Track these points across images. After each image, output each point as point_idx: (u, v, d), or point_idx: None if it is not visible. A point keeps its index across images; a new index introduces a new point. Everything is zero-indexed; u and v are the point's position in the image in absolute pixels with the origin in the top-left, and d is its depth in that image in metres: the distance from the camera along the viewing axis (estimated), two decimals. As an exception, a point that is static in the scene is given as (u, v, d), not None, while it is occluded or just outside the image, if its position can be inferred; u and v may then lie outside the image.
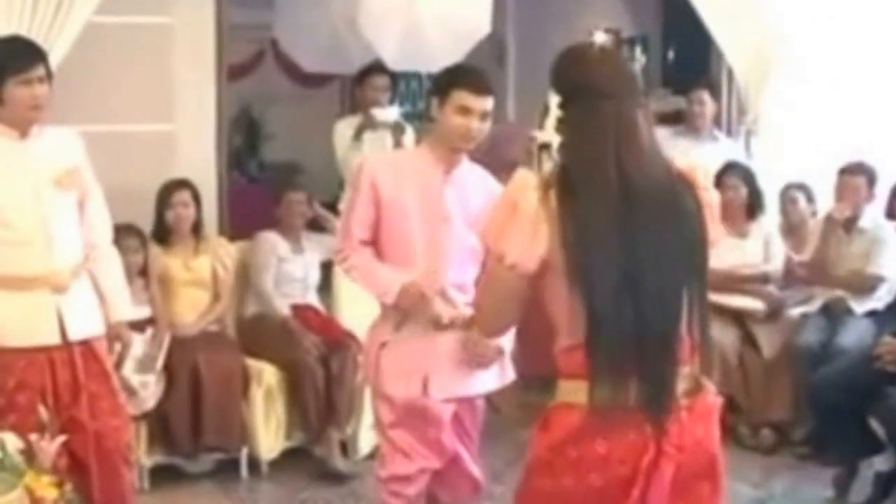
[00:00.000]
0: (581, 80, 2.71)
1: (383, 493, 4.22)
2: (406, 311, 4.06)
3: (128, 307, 4.64)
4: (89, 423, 4.24)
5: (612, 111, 2.65)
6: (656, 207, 2.65)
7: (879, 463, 5.55)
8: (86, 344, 4.28)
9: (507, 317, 2.85)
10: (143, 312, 5.84)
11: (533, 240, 2.63)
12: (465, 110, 3.99)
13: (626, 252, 2.60)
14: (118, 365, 4.80)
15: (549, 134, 2.72)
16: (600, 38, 9.29)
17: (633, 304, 2.60)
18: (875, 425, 5.52)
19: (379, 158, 4.33)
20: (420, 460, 4.18)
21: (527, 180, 2.68)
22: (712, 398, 2.77)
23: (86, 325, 4.31)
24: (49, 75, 4.18)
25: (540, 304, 2.74)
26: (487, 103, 4.02)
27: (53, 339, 4.18)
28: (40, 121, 4.19)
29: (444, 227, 4.07)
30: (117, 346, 4.63)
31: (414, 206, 4.06)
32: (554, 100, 2.75)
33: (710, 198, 2.80)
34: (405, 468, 4.19)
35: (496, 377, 4.35)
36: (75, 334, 4.23)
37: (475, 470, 4.33)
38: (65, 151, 4.29)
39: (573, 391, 2.67)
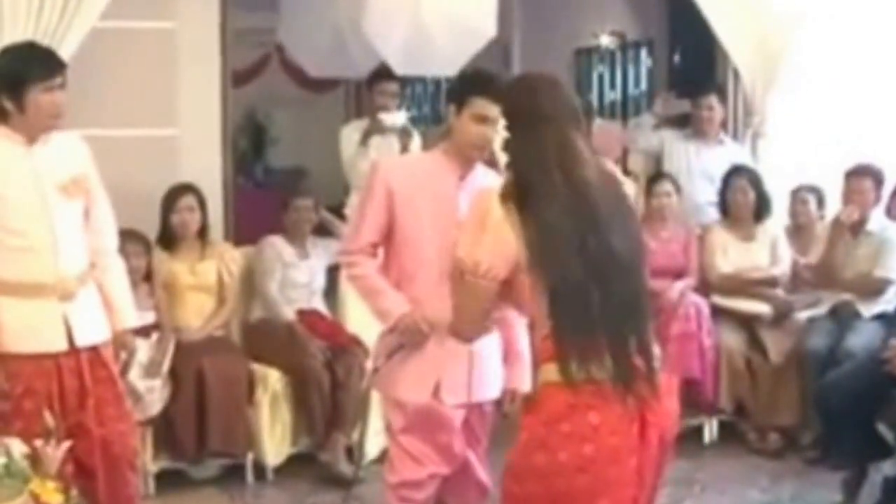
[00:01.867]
0: (528, 105, 3.14)
1: (392, 498, 4.18)
2: (396, 348, 4.03)
3: (133, 315, 4.62)
4: (96, 429, 4.24)
5: (551, 130, 3.07)
6: (605, 201, 3.05)
7: (888, 467, 5.53)
8: (93, 350, 4.27)
9: (484, 319, 3.31)
10: (148, 318, 5.83)
11: (504, 246, 3.02)
12: (482, 118, 3.93)
13: (585, 244, 2.98)
14: (123, 372, 4.78)
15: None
16: (606, 40, 9.32)
17: (598, 290, 2.97)
18: (883, 430, 5.51)
19: (394, 161, 4.28)
20: (430, 466, 4.14)
21: (490, 195, 3.08)
22: (669, 375, 3.19)
23: (93, 331, 4.30)
24: (65, 83, 4.18)
25: (517, 304, 3.17)
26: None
27: (61, 345, 4.17)
28: (57, 128, 4.19)
29: (457, 234, 4.03)
30: (123, 354, 4.60)
31: (427, 211, 4.01)
32: (501, 122, 3.19)
33: (629, 190, 3.38)
34: (415, 474, 4.16)
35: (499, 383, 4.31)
36: (82, 341, 4.22)
37: (483, 475, 4.32)
38: (71, 158, 4.28)
39: (552, 372, 2.99)
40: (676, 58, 9.51)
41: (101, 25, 5.43)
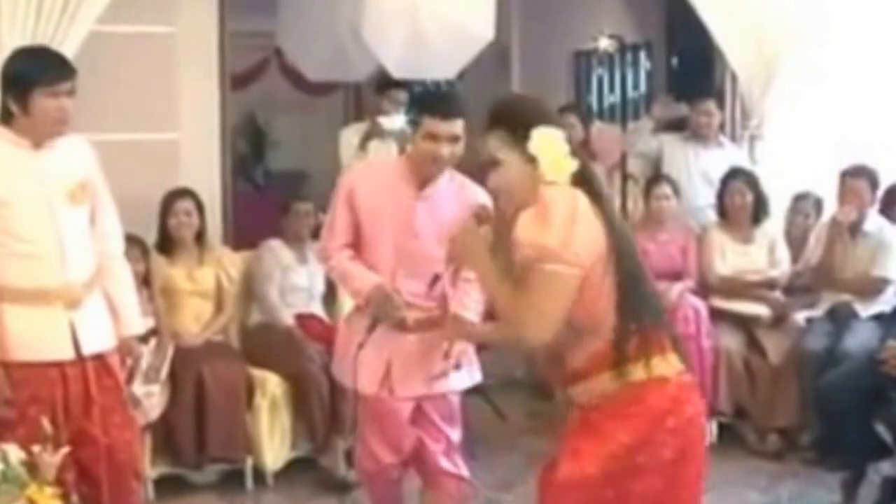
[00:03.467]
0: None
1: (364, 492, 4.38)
2: (376, 314, 4.18)
3: (139, 321, 4.59)
4: (101, 436, 4.19)
5: None
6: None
7: (887, 468, 5.53)
8: (98, 358, 4.22)
9: (561, 318, 3.00)
10: (147, 323, 5.82)
11: (595, 234, 3.00)
12: (433, 136, 4.13)
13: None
14: (129, 379, 4.79)
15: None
16: (604, 43, 9.33)
17: (649, 285, 3.15)
18: (882, 430, 5.51)
19: (359, 169, 4.48)
20: (385, 458, 4.33)
21: (567, 189, 3.06)
22: None
23: (99, 339, 4.25)
24: (74, 90, 4.14)
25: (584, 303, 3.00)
26: (455, 127, 4.13)
27: (67, 354, 4.12)
28: (62, 134, 4.15)
29: (413, 242, 4.20)
30: (129, 360, 4.60)
31: (386, 221, 4.23)
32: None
33: None
34: (372, 465, 4.39)
35: (464, 376, 4.42)
36: (88, 349, 4.18)
37: (449, 465, 4.39)
38: (77, 162, 4.24)
39: (663, 365, 3.05)
40: (675, 61, 9.52)
41: (100, 29, 5.43)
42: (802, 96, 7.10)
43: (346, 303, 6.11)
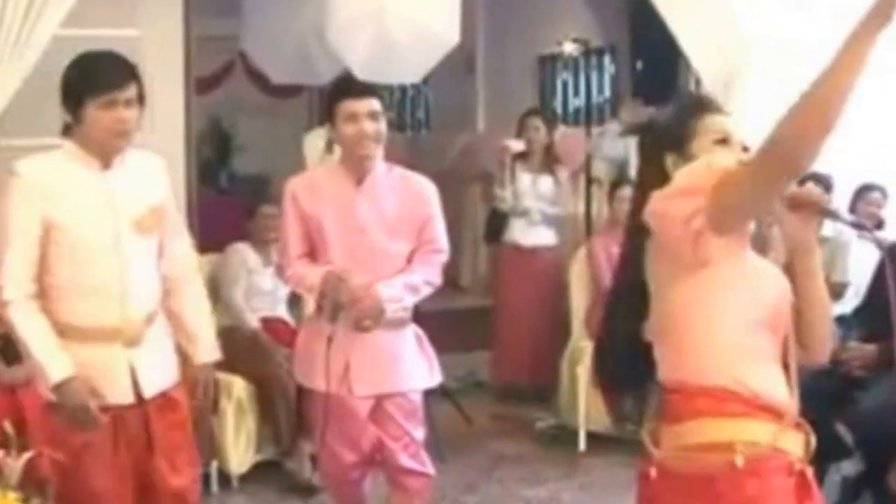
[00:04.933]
0: None
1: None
2: (333, 302, 4.17)
3: (215, 347, 4.09)
4: (171, 478, 3.79)
5: None
6: None
7: (846, 467, 5.58)
8: (161, 395, 3.78)
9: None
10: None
11: None
12: (352, 116, 4.19)
13: None
14: (214, 409, 4.68)
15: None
16: (569, 47, 9.37)
17: None
18: (842, 430, 5.56)
19: (298, 178, 4.49)
20: (346, 457, 4.35)
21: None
22: None
23: (161, 378, 3.79)
24: (141, 98, 3.76)
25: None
26: (372, 104, 4.22)
27: (125, 398, 3.68)
28: (123, 150, 3.71)
29: (360, 237, 4.24)
30: (201, 391, 4.05)
31: (331, 221, 4.26)
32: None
33: None
34: (334, 466, 4.43)
35: (424, 376, 4.43)
36: (150, 391, 3.73)
37: (412, 463, 4.41)
38: (149, 186, 3.81)
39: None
40: (639, 64, 9.57)
41: (63, 33, 5.41)
42: (768, 99, 7.14)
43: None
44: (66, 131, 3.73)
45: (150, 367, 3.73)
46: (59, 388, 3.56)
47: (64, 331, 3.61)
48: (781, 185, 2.59)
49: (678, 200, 2.62)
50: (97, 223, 3.63)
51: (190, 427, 3.94)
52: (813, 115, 2.39)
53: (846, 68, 2.35)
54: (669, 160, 2.81)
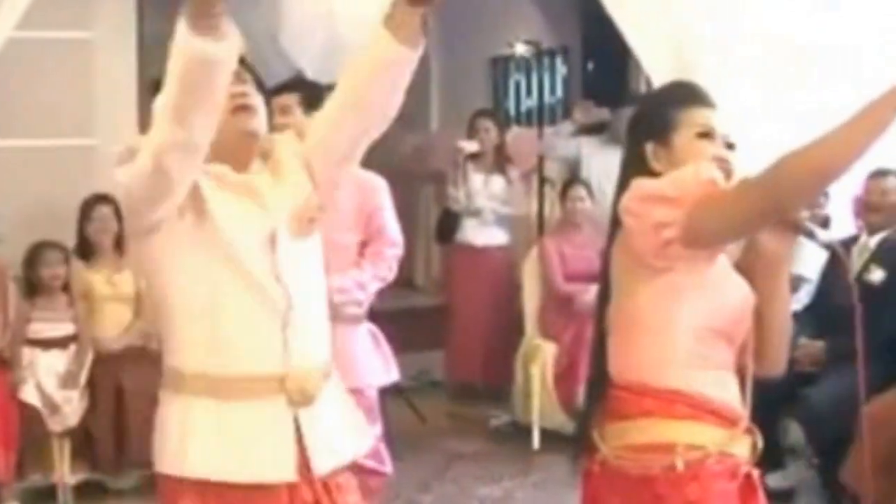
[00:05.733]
0: None
1: None
2: None
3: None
4: None
5: None
6: None
7: (774, 480, 5.46)
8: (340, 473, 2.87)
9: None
10: (67, 329, 5.83)
11: None
12: (282, 109, 4.24)
13: None
14: None
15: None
16: (521, 49, 9.40)
17: None
18: (795, 428, 5.64)
19: None
20: None
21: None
22: None
23: (340, 450, 2.85)
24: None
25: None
26: (284, 99, 4.30)
27: (287, 474, 2.71)
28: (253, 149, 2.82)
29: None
30: None
31: None
32: None
33: None
34: None
35: (380, 373, 4.48)
36: (323, 467, 2.77)
37: (370, 462, 4.42)
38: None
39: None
40: (590, 65, 9.63)
41: (17, 35, 5.40)
42: (719, 99, 7.19)
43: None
44: None
45: (324, 434, 2.80)
46: None
47: (200, 382, 2.76)
48: (766, 221, 2.57)
49: (656, 206, 2.56)
50: (251, 240, 2.75)
51: None
52: (826, 167, 2.38)
53: (869, 132, 2.34)
54: (649, 148, 2.74)
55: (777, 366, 2.84)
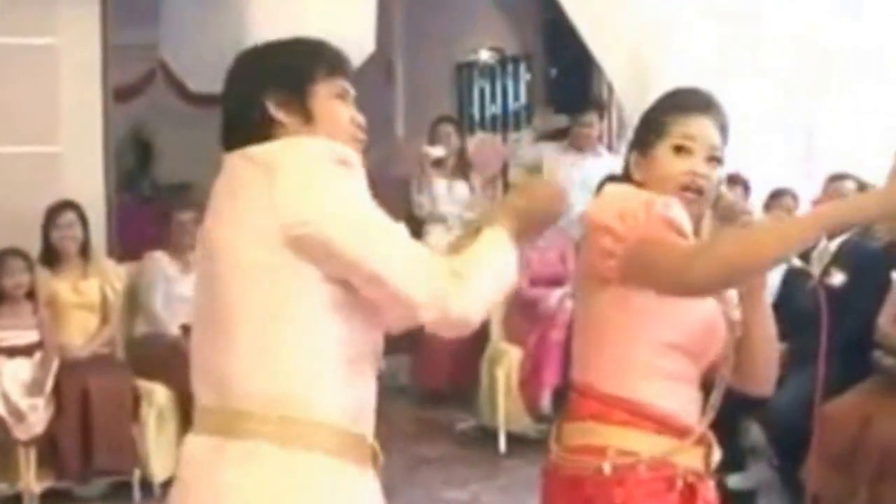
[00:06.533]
0: None
1: None
2: None
3: None
4: None
5: None
6: None
7: (735, 481, 5.57)
8: None
9: None
10: (32, 336, 5.83)
11: None
12: None
13: None
14: None
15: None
16: (485, 55, 9.47)
17: None
18: (756, 430, 5.68)
19: None
20: None
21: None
22: None
23: None
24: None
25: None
26: None
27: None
28: None
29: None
30: None
31: None
32: None
33: None
34: None
35: None
36: None
37: None
38: None
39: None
40: (553, 72, 9.70)
41: (-22, 42, 5.42)
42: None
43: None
44: None
45: None
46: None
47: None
48: (681, 293, 2.49)
49: (604, 234, 2.49)
50: None
51: None
52: (759, 263, 2.37)
53: (804, 240, 2.32)
54: (632, 157, 2.66)
55: (763, 386, 2.79)
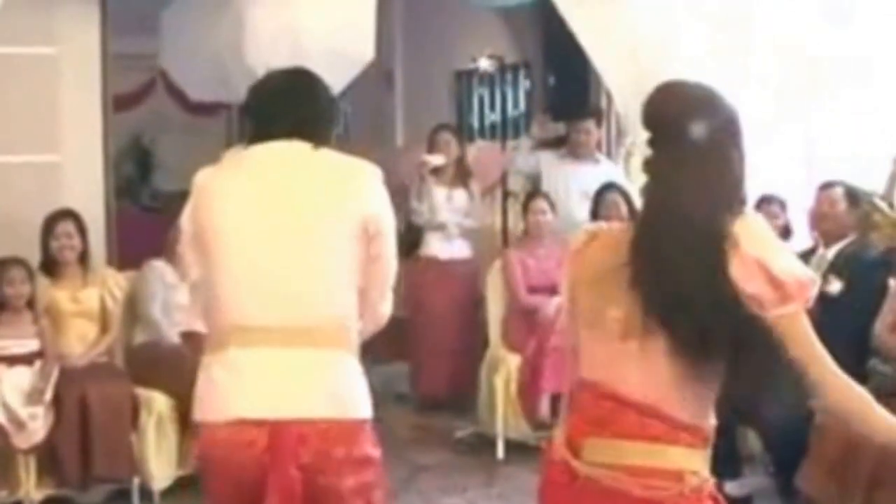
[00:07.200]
0: None
1: None
2: None
3: None
4: None
5: None
6: None
7: (732, 488, 5.52)
8: None
9: None
10: (32, 345, 5.85)
11: None
12: None
13: None
14: None
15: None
16: (484, 63, 9.49)
17: None
18: (751, 439, 5.69)
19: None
20: None
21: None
22: None
23: None
24: None
25: None
26: None
27: None
28: None
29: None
30: None
31: None
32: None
33: None
34: None
35: None
36: None
37: None
38: None
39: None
40: (552, 80, 9.72)
41: (-22, 51, 5.44)
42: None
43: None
44: None
45: None
46: None
47: None
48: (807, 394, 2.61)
49: (759, 277, 2.47)
50: None
51: None
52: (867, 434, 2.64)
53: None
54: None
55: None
